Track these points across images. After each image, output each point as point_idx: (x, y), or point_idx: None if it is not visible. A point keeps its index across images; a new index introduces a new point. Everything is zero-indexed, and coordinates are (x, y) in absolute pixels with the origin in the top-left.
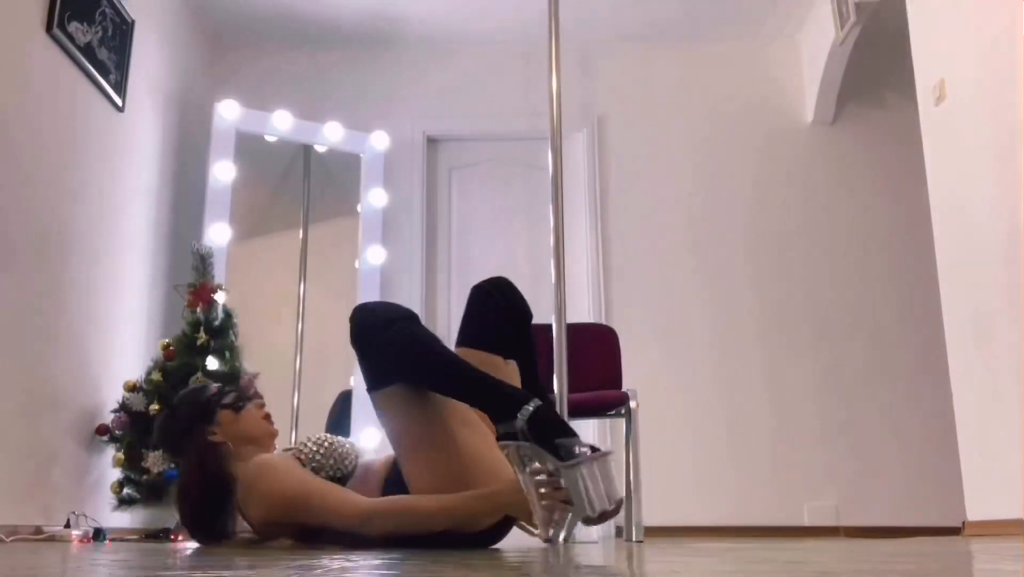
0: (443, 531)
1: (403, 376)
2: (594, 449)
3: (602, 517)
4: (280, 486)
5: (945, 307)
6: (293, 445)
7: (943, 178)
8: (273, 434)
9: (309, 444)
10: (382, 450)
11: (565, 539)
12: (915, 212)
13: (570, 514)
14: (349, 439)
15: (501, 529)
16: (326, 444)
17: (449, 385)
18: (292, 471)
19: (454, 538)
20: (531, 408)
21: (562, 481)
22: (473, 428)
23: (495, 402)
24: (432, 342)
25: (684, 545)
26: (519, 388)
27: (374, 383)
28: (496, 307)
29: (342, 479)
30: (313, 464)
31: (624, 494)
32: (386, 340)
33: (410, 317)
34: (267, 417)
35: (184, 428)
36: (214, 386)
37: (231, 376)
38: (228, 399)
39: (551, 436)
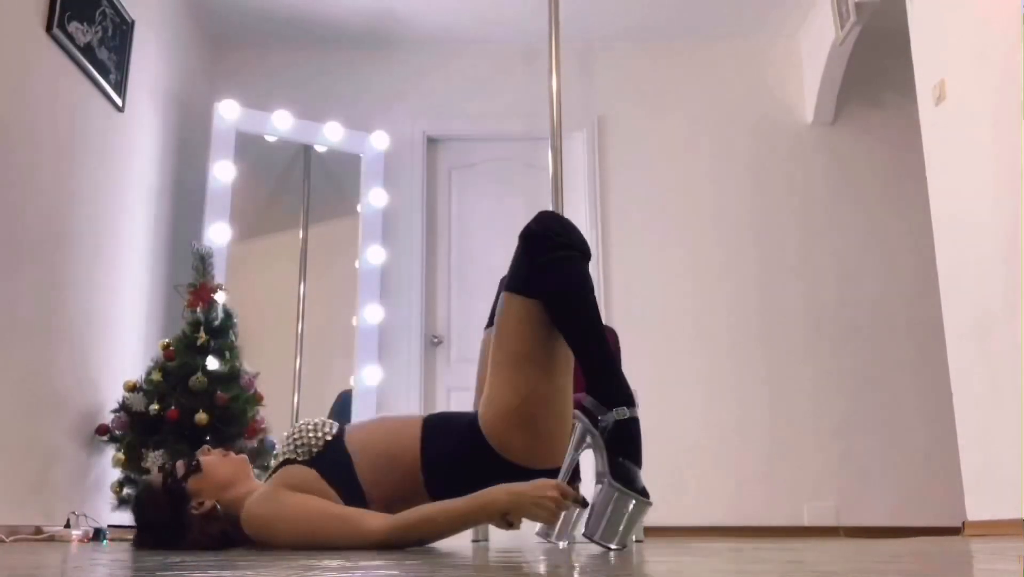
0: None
1: (554, 300)
2: (644, 492)
3: (599, 544)
4: (282, 520)
5: (945, 307)
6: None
7: (943, 178)
8: (243, 461)
9: (282, 440)
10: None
11: (559, 538)
12: (915, 212)
13: (575, 516)
14: (321, 419)
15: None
16: (293, 434)
17: (582, 337)
18: (299, 505)
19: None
20: (627, 415)
21: (597, 490)
22: (568, 386)
23: (605, 381)
24: (592, 291)
25: (684, 545)
26: (629, 387)
27: (521, 286)
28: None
29: (319, 460)
30: (288, 456)
31: (630, 542)
32: (564, 257)
33: (588, 256)
34: (223, 453)
35: (170, 525)
36: (153, 476)
37: (231, 376)
38: (180, 470)
39: (621, 451)
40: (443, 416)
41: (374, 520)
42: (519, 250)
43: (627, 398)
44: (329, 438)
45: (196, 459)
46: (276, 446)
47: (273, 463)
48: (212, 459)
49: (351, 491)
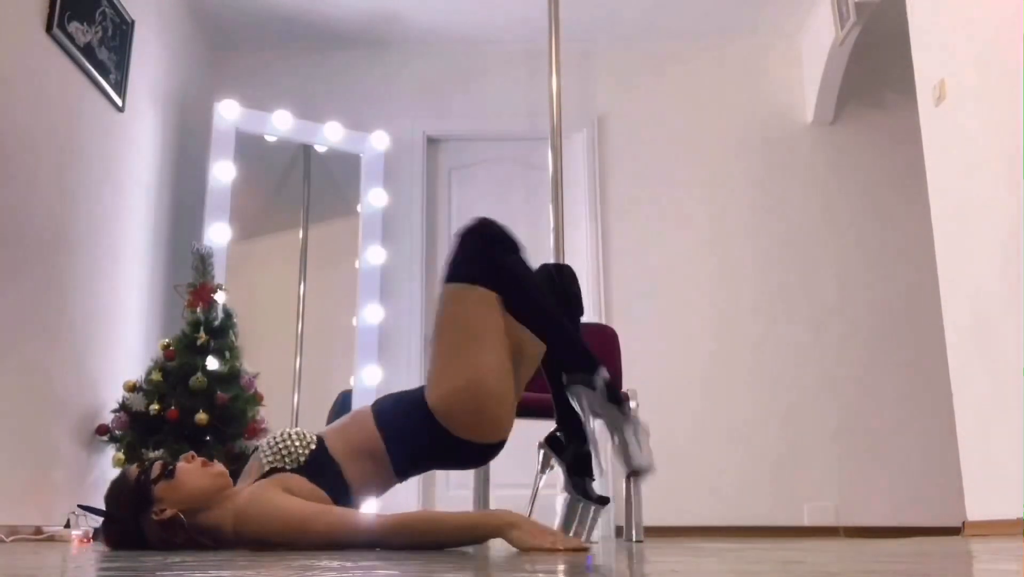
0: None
1: (514, 287)
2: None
3: (643, 471)
4: (277, 518)
5: (945, 307)
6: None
7: (943, 178)
8: (222, 474)
9: (264, 450)
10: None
11: (587, 537)
12: (915, 212)
13: (591, 512)
14: (297, 428)
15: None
16: (276, 444)
17: (543, 315)
18: (285, 503)
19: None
20: (606, 372)
21: (617, 437)
22: (508, 367)
23: (578, 352)
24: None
25: (684, 545)
26: (591, 353)
27: (471, 276)
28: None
29: (307, 467)
30: (274, 465)
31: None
32: (514, 250)
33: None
34: (204, 464)
35: (127, 524)
36: (132, 468)
37: (231, 376)
38: (154, 472)
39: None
40: (389, 399)
41: (366, 517)
42: (464, 245)
43: (592, 362)
44: (313, 447)
45: (173, 465)
46: (259, 454)
47: (250, 464)
48: (189, 468)
49: (341, 493)
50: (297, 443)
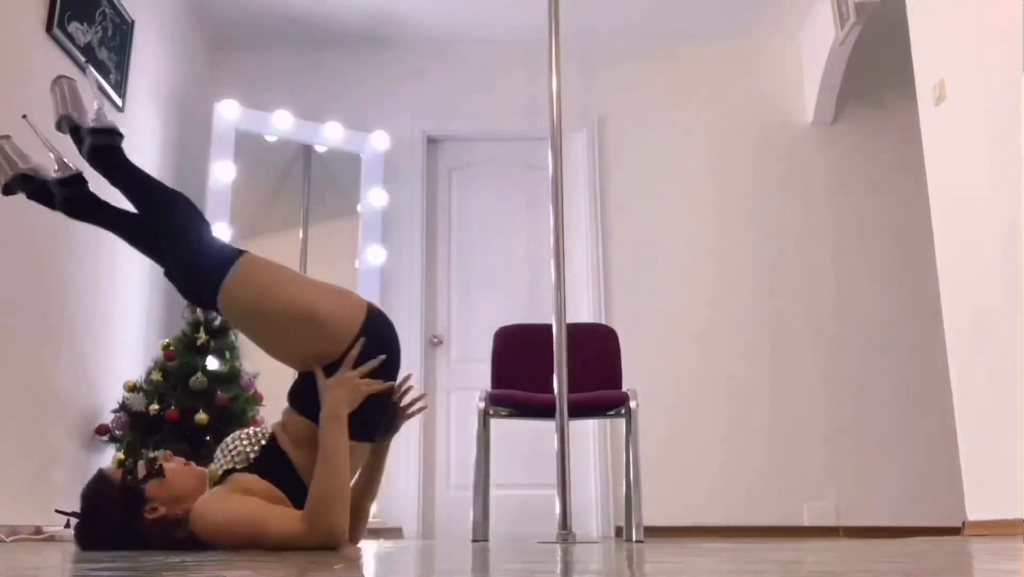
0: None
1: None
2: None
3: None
4: (228, 525)
5: (945, 307)
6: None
7: (943, 178)
8: (203, 475)
9: (217, 456)
10: None
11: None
12: (915, 212)
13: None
14: (249, 428)
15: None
16: (227, 446)
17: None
18: (238, 506)
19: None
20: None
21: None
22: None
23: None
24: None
25: (684, 545)
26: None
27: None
28: None
29: (259, 464)
30: (226, 467)
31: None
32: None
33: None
34: (186, 463)
35: (119, 524)
36: (113, 468)
37: (231, 376)
38: (141, 472)
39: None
40: (293, 386)
41: (295, 519)
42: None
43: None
44: (264, 442)
45: (159, 464)
46: (214, 461)
47: (213, 468)
48: (176, 468)
49: (292, 483)
50: (246, 442)
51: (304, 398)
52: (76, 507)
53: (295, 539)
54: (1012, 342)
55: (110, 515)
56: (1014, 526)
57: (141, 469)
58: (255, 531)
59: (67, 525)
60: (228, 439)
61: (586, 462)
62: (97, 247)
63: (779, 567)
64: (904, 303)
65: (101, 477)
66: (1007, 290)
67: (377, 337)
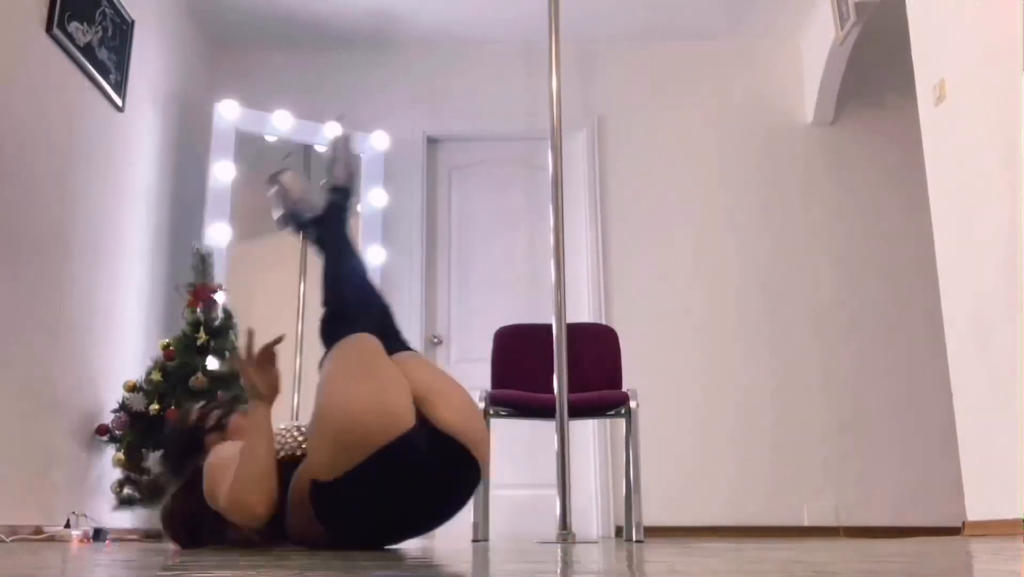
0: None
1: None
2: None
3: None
4: (209, 484)
5: (945, 307)
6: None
7: (943, 178)
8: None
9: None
10: None
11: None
12: (915, 212)
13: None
14: (295, 422)
15: None
16: (277, 437)
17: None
18: (220, 469)
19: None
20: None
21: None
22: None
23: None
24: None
25: (684, 545)
26: None
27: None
28: None
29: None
30: (285, 451)
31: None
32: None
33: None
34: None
35: (178, 467)
36: (195, 408)
37: (231, 376)
38: (211, 421)
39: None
40: None
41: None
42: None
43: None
44: (297, 446)
45: (226, 418)
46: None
47: None
48: (240, 421)
49: None
50: (296, 435)
51: None
52: (76, 507)
53: (223, 508)
54: (1012, 342)
55: (176, 452)
56: (1014, 526)
57: (212, 419)
58: (213, 487)
59: (67, 525)
60: (282, 426)
61: (586, 462)
62: (97, 247)
63: (779, 567)
64: (904, 303)
65: (182, 413)
66: (1007, 290)
67: None
